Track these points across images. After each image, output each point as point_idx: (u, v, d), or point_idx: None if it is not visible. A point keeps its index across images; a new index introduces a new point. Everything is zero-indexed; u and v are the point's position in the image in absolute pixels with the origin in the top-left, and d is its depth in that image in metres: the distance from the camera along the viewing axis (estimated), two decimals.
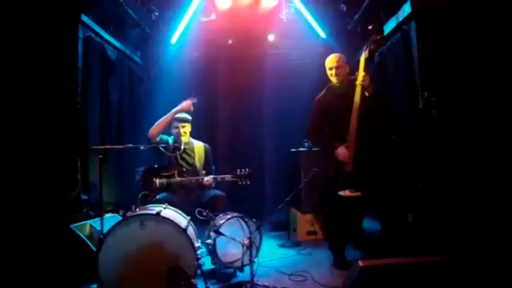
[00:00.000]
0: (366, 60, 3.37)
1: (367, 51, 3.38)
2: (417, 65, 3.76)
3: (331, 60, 3.53)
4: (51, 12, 3.47)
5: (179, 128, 3.92)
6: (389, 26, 4.39)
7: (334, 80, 3.52)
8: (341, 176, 3.35)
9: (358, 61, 3.40)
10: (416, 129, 3.76)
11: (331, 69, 3.51)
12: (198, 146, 4.09)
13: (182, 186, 3.83)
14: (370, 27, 3.38)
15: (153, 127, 3.88)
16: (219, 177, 3.77)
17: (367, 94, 3.29)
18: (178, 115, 3.94)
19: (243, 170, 3.67)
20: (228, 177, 3.74)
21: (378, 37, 3.48)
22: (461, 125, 3.40)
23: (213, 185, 3.86)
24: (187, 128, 3.97)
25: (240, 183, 3.67)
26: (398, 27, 4.14)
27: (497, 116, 3.21)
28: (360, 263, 2.17)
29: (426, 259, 2.29)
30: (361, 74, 3.28)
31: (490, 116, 3.26)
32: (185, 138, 3.93)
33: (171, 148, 3.83)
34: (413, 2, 3.78)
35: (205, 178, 3.76)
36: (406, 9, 3.91)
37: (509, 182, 2.99)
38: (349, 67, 3.59)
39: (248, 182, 3.66)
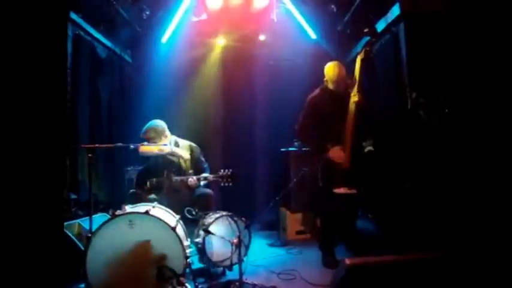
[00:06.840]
0: (362, 61, 3.37)
1: (363, 54, 3.37)
2: (406, 66, 3.81)
3: (337, 71, 3.49)
4: (38, 9, 3.44)
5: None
6: (378, 28, 4.42)
7: (335, 89, 3.52)
8: (335, 174, 3.36)
9: (351, 62, 3.42)
10: (405, 129, 3.80)
11: (337, 81, 3.48)
12: (184, 146, 4.07)
13: (170, 186, 3.82)
14: (366, 30, 3.39)
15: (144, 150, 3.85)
16: (201, 177, 3.75)
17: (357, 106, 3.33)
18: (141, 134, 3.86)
19: (226, 170, 3.59)
20: (210, 177, 3.72)
21: (374, 40, 3.49)
22: (449, 125, 3.44)
23: (201, 184, 3.82)
24: (157, 141, 3.85)
25: (222, 184, 3.59)
26: (388, 28, 4.18)
27: (486, 116, 3.25)
28: (347, 261, 2.17)
29: (412, 257, 2.31)
30: (355, 87, 3.31)
31: (478, 116, 3.30)
32: (155, 148, 3.81)
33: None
34: (402, 3, 3.83)
35: (190, 179, 3.73)
36: (395, 11, 3.95)
37: (498, 180, 3.03)
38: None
39: (230, 184, 3.57)
